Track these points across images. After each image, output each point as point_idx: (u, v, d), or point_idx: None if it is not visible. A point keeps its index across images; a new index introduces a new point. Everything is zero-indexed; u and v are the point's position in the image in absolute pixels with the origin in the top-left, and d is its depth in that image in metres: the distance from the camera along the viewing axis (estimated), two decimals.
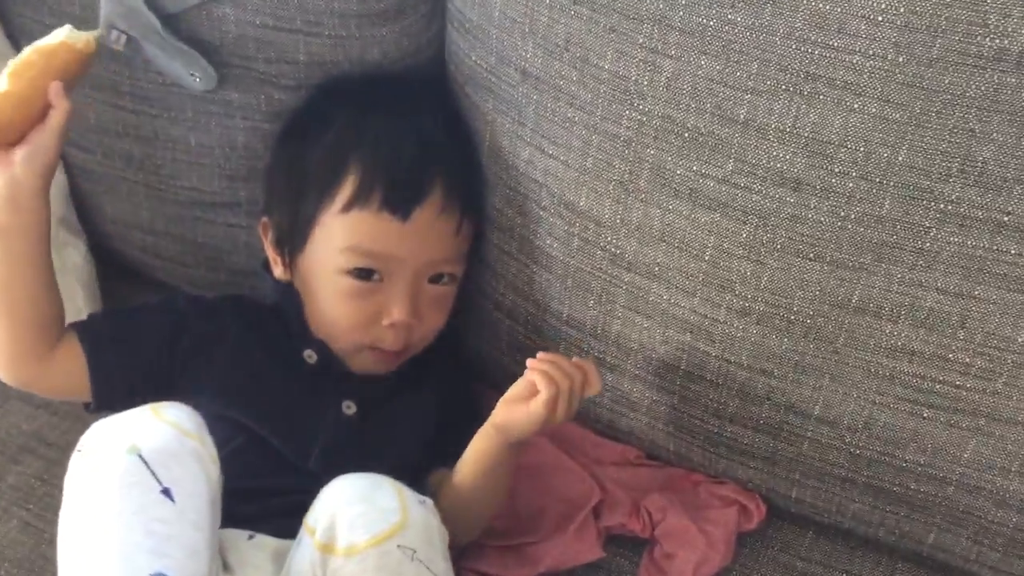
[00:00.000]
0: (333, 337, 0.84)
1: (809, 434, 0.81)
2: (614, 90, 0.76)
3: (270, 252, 0.88)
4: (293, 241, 0.84)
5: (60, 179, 0.99)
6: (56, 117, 0.71)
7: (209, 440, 0.69)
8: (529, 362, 0.76)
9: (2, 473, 0.91)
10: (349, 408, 0.84)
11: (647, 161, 0.77)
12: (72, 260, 1.00)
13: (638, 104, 0.75)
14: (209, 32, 0.85)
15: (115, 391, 0.78)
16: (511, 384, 0.78)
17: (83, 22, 0.85)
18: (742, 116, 0.72)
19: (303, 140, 0.85)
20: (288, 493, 0.77)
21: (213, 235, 0.98)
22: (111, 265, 1.04)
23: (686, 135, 0.75)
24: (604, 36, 0.74)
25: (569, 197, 0.82)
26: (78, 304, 1.00)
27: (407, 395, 0.87)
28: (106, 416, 0.68)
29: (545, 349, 0.86)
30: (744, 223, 0.75)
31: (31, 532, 0.88)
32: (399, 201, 0.80)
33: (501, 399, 0.77)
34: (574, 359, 0.78)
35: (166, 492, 0.64)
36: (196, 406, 0.76)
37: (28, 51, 0.72)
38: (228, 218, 0.96)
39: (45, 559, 0.85)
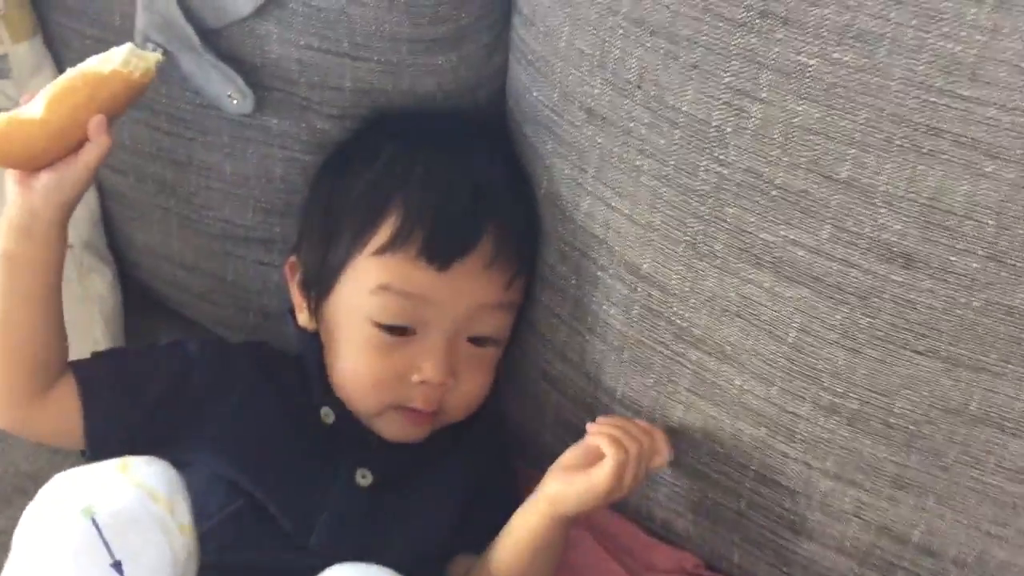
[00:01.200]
0: (356, 395, 0.73)
1: (905, 564, 0.66)
2: (692, 136, 0.63)
3: (295, 295, 0.78)
4: (320, 284, 0.74)
5: (91, 201, 0.91)
6: (91, 154, 0.64)
7: (184, 507, 0.58)
8: (590, 426, 0.66)
9: None
10: (364, 478, 0.72)
11: (725, 221, 0.64)
12: (96, 289, 0.91)
13: (719, 154, 0.62)
14: (250, 51, 0.76)
15: (110, 439, 0.68)
16: (551, 463, 0.67)
17: (122, 33, 0.77)
18: (844, 174, 0.59)
19: (343, 174, 0.75)
20: (280, 573, 0.64)
21: (244, 273, 0.88)
22: (137, 298, 0.95)
23: (774, 193, 0.61)
24: (684, 73, 0.62)
25: (632, 257, 0.69)
26: (96, 336, 0.91)
27: (434, 467, 0.75)
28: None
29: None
30: (839, 303, 0.61)
31: None
32: (440, 249, 0.70)
33: (554, 466, 0.66)
34: (640, 422, 0.66)
35: (117, 566, 0.53)
36: (194, 463, 0.68)
37: (74, 74, 0.63)
38: (260, 255, 0.87)
39: None
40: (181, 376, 0.74)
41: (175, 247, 0.91)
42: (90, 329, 0.90)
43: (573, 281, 0.74)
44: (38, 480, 0.86)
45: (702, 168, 0.65)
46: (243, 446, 0.72)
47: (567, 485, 0.64)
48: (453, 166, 0.72)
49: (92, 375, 0.70)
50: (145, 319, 0.97)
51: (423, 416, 0.72)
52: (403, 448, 0.75)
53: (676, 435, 0.73)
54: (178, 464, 0.72)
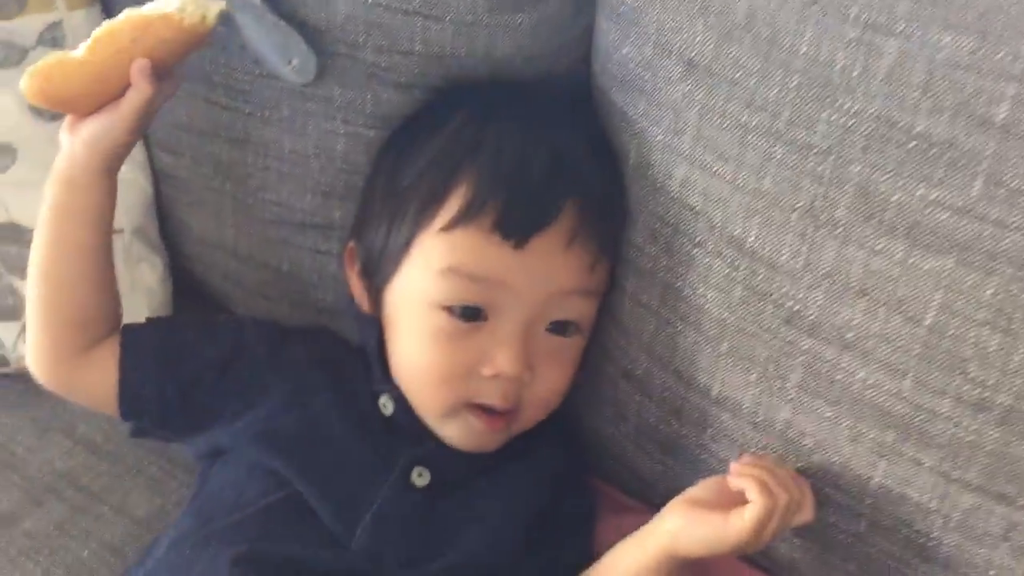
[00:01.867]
0: (421, 392, 0.65)
1: None
2: (811, 83, 0.54)
3: (354, 284, 0.70)
4: (382, 269, 0.66)
5: (144, 184, 0.85)
6: (133, 100, 0.60)
7: None
8: (735, 465, 0.57)
9: (20, 515, 0.75)
10: (420, 476, 0.63)
11: (850, 182, 0.54)
12: (145, 280, 0.84)
13: (844, 103, 0.53)
14: (314, 11, 0.69)
15: (143, 404, 0.65)
16: (632, 478, 0.60)
17: None
18: (1001, 118, 0.49)
19: (408, 147, 0.68)
20: (317, 572, 0.57)
21: (299, 263, 0.80)
22: (187, 293, 0.88)
23: (911, 145, 0.52)
24: (802, 10, 0.53)
25: (735, 230, 0.59)
26: None
27: (499, 473, 0.66)
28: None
29: (682, 436, 0.63)
30: (991, 273, 0.51)
31: None
32: (517, 223, 0.61)
33: (679, 499, 0.57)
34: (788, 469, 0.57)
35: None
36: (236, 449, 0.63)
37: (121, 18, 0.60)
38: (318, 242, 0.79)
39: None
40: (229, 357, 0.67)
41: (229, 235, 0.84)
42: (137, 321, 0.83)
43: (664, 262, 0.65)
44: (72, 479, 0.79)
45: (822, 121, 0.55)
46: (289, 436, 0.64)
47: (694, 524, 0.55)
48: (530, 133, 0.64)
49: (137, 340, 0.66)
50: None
51: (497, 420, 0.63)
52: None
53: (783, 440, 0.62)
54: (218, 449, 0.64)
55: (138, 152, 0.85)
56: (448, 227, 0.62)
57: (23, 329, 0.79)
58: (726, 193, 0.60)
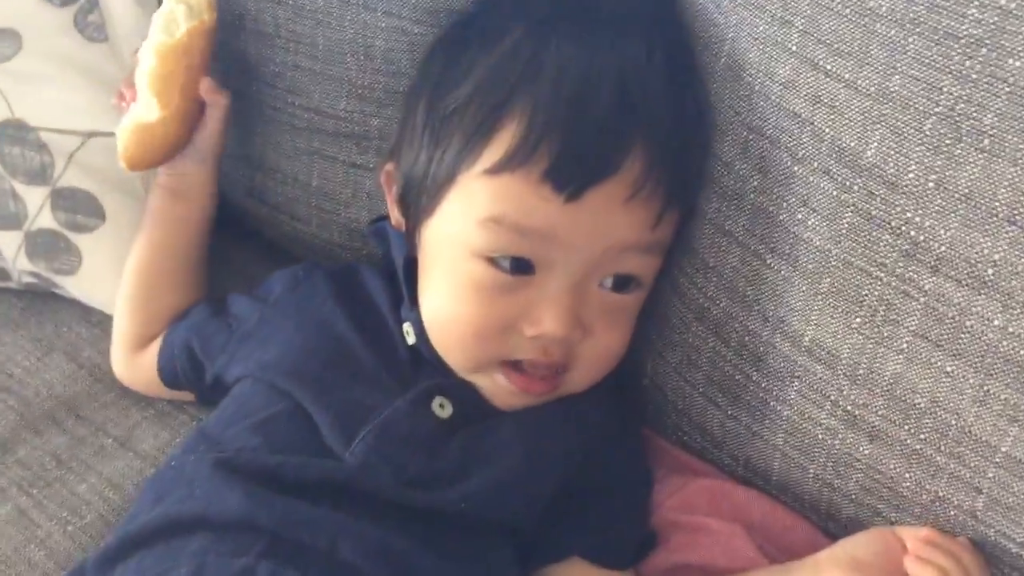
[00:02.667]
0: (452, 346, 0.56)
1: None
2: None
3: (392, 210, 0.62)
4: (421, 203, 0.57)
5: None
6: (215, 116, 0.66)
7: None
8: (915, 546, 0.51)
9: (13, 443, 0.69)
10: (442, 408, 0.55)
11: (1005, 81, 0.43)
12: None
13: None
14: None
15: (175, 362, 0.66)
16: (698, 434, 0.53)
17: None
18: None
19: (458, 59, 0.57)
20: (308, 486, 0.50)
21: (331, 177, 0.71)
22: None
23: None
24: None
25: (849, 142, 0.48)
26: None
27: (535, 415, 0.56)
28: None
29: (763, 390, 0.53)
30: None
31: (23, 525, 0.63)
32: (571, 174, 0.51)
33: (843, 555, 0.52)
34: (978, 557, 0.49)
35: None
36: (243, 376, 0.59)
37: (156, 58, 0.61)
38: (352, 154, 0.69)
39: (29, 564, 0.62)
40: (249, 326, 0.64)
41: (255, 145, 0.75)
42: None
43: (755, 182, 0.54)
44: (73, 407, 0.71)
45: (974, 3, 0.43)
46: (299, 353, 0.58)
47: None
48: (596, 58, 0.53)
49: (168, 343, 0.67)
50: (216, 242, 0.81)
51: (537, 381, 0.55)
52: None
53: (889, 400, 0.52)
54: (232, 380, 0.59)
55: None
56: (493, 171, 0.53)
57: (25, 240, 0.71)
58: (842, 96, 0.49)
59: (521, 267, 0.53)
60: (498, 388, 0.56)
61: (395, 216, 0.61)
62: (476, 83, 0.55)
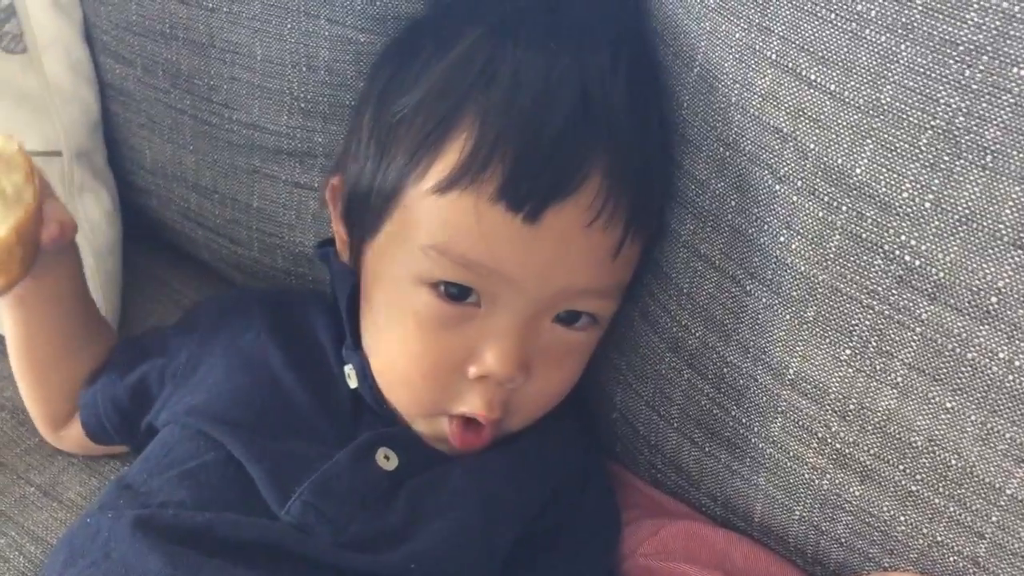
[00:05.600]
0: (390, 387, 0.51)
1: None
2: None
3: (337, 227, 0.56)
4: (365, 219, 0.52)
5: (88, 100, 0.69)
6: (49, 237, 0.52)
7: None
8: None
9: None
10: (387, 460, 0.50)
11: (1009, 92, 0.39)
12: (89, 214, 0.69)
13: None
14: None
15: (104, 422, 0.59)
16: (672, 472, 0.48)
17: None
18: None
19: (407, 66, 0.52)
20: (241, 547, 0.45)
21: (273, 198, 0.65)
22: (141, 235, 0.73)
23: None
24: None
25: (836, 159, 0.44)
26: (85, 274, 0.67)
27: (490, 465, 0.51)
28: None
29: (743, 426, 0.48)
30: None
31: None
32: (528, 190, 0.46)
33: None
34: None
35: None
36: (170, 421, 0.52)
37: None
38: (296, 174, 0.63)
39: None
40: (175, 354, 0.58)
41: (189, 163, 0.68)
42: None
43: (733, 202, 0.49)
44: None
45: (974, 6, 0.39)
46: (234, 397, 0.52)
47: None
48: (556, 66, 0.48)
49: (88, 403, 0.60)
50: (150, 263, 0.75)
51: (475, 435, 0.50)
52: None
53: (880, 438, 0.47)
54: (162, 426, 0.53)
55: (82, 61, 0.69)
56: (441, 188, 0.47)
57: None
58: (827, 109, 0.44)
59: (464, 295, 0.48)
60: (439, 436, 0.51)
61: (339, 235, 0.56)
62: (425, 90, 0.49)
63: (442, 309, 0.48)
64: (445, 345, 0.49)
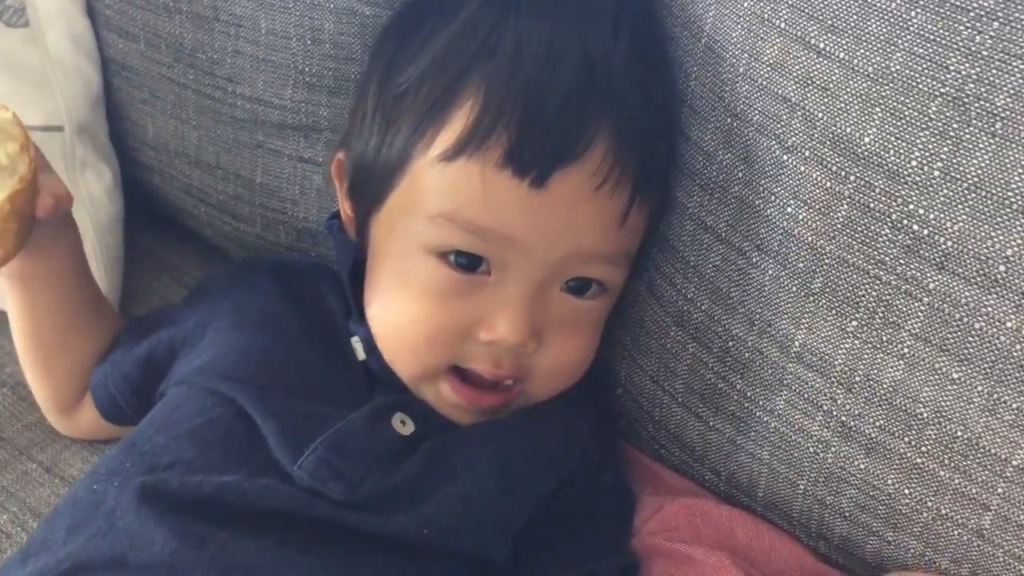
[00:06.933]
0: (399, 353, 0.51)
1: None
2: None
3: (342, 203, 0.56)
4: (370, 191, 0.52)
5: (90, 74, 0.69)
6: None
7: None
8: None
9: None
10: (404, 424, 0.49)
11: (1020, 58, 0.38)
12: (91, 190, 0.68)
13: None
14: None
15: (118, 400, 0.58)
16: (675, 447, 0.48)
17: None
18: None
19: (411, 37, 0.52)
20: (232, 522, 0.44)
21: (277, 173, 0.64)
22: (143, 209, 0.72)
23: None
24: None
25: (844, 128, 0.43)
26: (85, 250, 0.67)
27: (509, 434, 0.51)
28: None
29: (748, 399, 0.47)
30: None
31: None
32: (533, 155, 0.46)
33: None
34: None
35: None
36: (183, 379, 0.52)
37: None
38: (300, 148, 0.63)
39: None
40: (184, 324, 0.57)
41: (191, 138, 0.68)
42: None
43: (740, 173, 0.49)
44: None
45: None
46: (239, 357, 0.51)
47: None
48: (558, 34, 0.48)
49: (99, 382, 0.59)
50: (152, 239, 0.75)
51: (486, 394, 0.50)
52: None
53: (887, 410, 0.47)
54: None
55: (84, 35, 0.68)
56: (447, 156, 0.47)
57: None
58: (836, 77, 0.44)
59: (475, 265, 0.48)
60: (444, 400, 0.51)
61: (345, 211, 0.56)
62: (429, 61, 0.49)
63: (452, 278, 0.48)
64: (454, 311, 0.48)
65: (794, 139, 0.47)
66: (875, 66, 0.43)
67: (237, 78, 0.64)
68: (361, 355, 0.52)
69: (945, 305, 0.44)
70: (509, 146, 0.46)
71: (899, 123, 0.43)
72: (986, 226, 0.42)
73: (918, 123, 0.42)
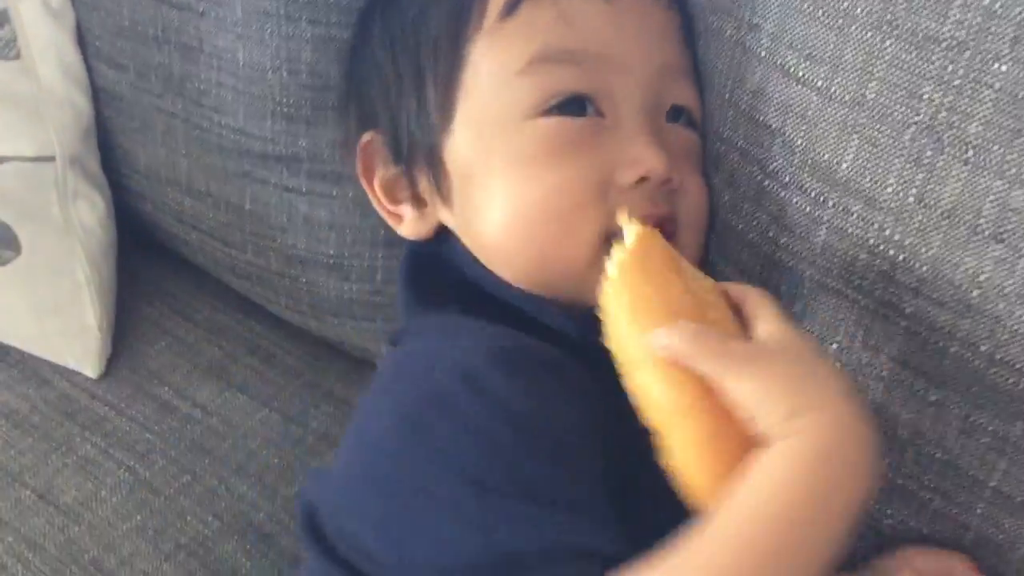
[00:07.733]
0: (544, 244, 0.44)
1: None
2: None
3: (381, 198, 0.51)
4: (429, 120, 0.47)
5: (81, 104, 0.69)
6: None
7: None
8: None
9: None
10: None
11: (991, 87, 0.39)
12: (83, 219, 0.69)
13: None
14: None
15: None
16: None
17: None
18: None
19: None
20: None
21: (265, 201, 0.65)
22: (135, 237, 0.72)
23: None
24: None
25: (823, 155, 0.44)
26: (78, 280, 0.68)
27: None
28: None
29: None
30: None
31: None
32: None
33: (906, 558, 0.46)
34: None
35: None
36: None
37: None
38: (283, 178, 0.63)
39: None
40: None
41: (182, 167, 0.68)
42: (71, 270, 0.68)
43: (726, 198, 0.49)
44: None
45: (956, 5, 0.39)
46: None
47: None
48: None
49: None
50: (145, 266, 0.75)
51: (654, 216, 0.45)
52: None
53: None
54: None
55: (75, 66, 0.68)
56: (509, 8, 0.46)
57: None
58: (814, 105, 0.44)
59: (582, 108, 0.45)
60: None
61: (388, 204, 0.50)
62: None
63: (568, 127, 0.44)
64: (586, 165, 0.44)
65: (774, 164, 0.47)
66: (851, 94, 0.43)
67: (221, 109, 0.64)
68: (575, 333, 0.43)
69: (921, 329, 0.44)
70: None
71: (875, 150, 0.43)
72: (960, 252, 0.42)
73: (893, 150, 0.43)
